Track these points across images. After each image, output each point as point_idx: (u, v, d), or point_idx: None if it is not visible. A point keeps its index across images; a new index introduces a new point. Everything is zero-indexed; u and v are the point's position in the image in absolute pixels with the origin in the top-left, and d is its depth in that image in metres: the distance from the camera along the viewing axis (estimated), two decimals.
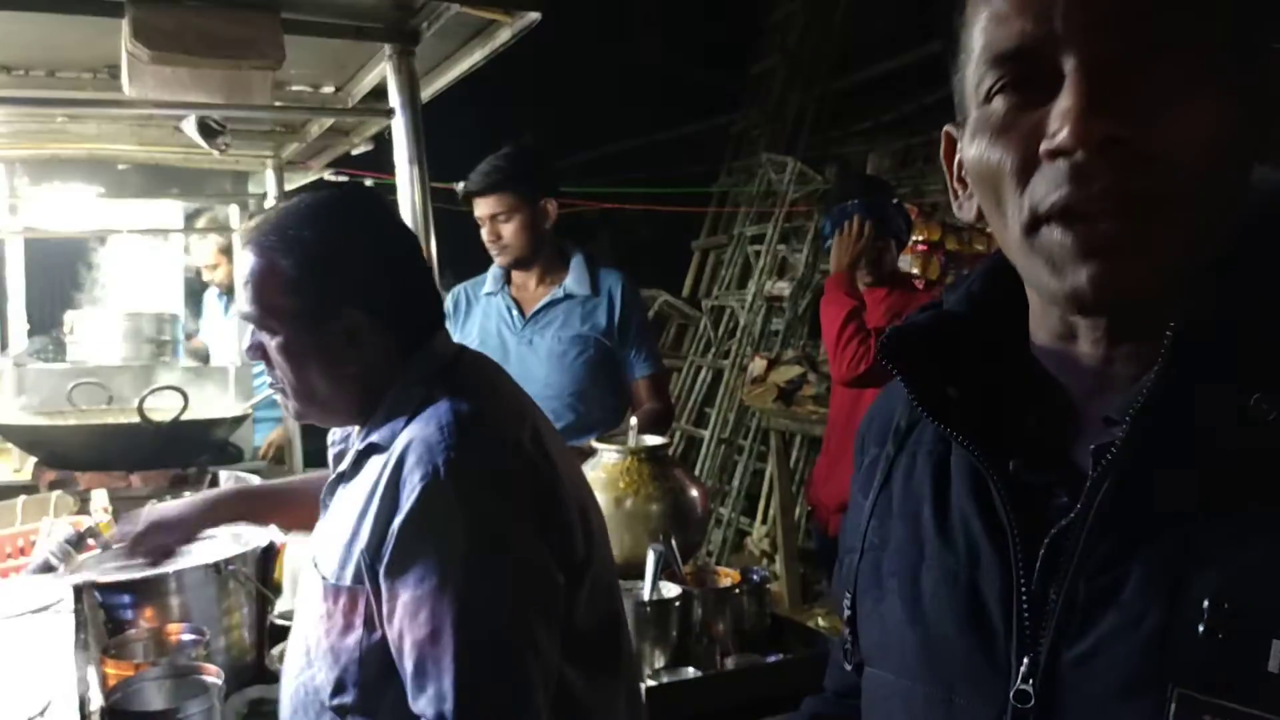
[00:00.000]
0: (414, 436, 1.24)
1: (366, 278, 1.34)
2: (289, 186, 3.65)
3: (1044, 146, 0.61)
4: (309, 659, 1.32)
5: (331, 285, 1.32)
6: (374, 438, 1.33)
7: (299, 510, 1.75)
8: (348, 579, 1.26)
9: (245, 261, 1.36)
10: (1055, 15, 0.61)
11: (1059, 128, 0.60)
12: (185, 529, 1.69)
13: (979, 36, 0.66)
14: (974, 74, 0.67)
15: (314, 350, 1.33)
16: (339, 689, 1.25)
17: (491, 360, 1.51)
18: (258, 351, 1.37)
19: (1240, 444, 0.60)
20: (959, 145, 0.74)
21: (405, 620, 1.18)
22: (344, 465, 1.38)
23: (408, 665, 1.19)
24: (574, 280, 2.78)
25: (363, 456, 1.35)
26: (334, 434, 1.53)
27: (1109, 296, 0.62)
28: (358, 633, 1.25)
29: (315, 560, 1.36)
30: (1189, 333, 0.61)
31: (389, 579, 1.20)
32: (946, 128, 0.77)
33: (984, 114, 0.66)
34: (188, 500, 1.76)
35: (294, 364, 1.35)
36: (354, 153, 3.29)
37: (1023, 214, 0.64)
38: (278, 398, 1.43)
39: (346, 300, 1.32)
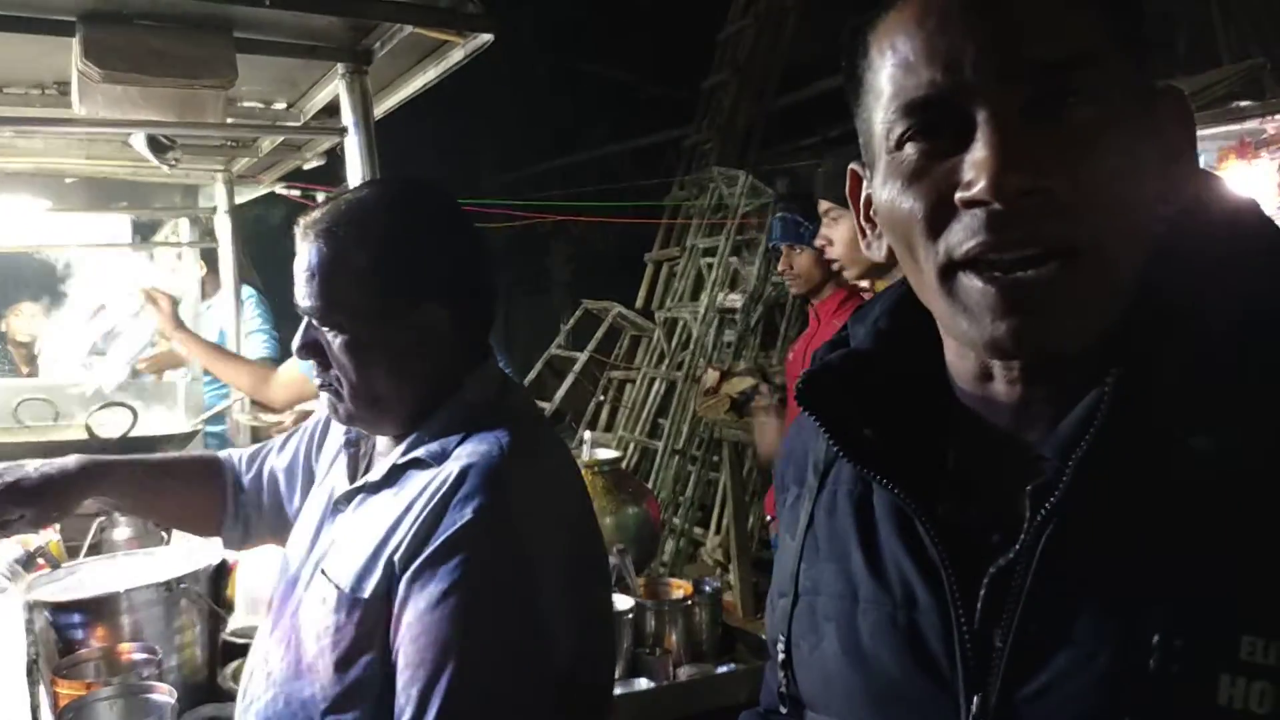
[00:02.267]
0: (474, 461, 1.19)
1: (446, 272, 1.28)
2: (239, 200, 3.64)
3: (960, 195, 0.62)
4: (298, 670, 1.26)
5: (412, 277, 1.26)
6: (419, 452, 1.26)
7: (175, 498, 1.66)
8: (367, 591, 1.20)
9: (311, 253, 1.27)
10: (965, 65, 0.62)
11: (974, 178, 0.61)
12: (37, 509, 1.47)
13: (886, 83, 0.66)
14: (883, 119, 0.67)
15: (383, 346, 1.26)
16: (339, 706, 1.20)
17: (526, 394, 1.47)
18: (310, 350, 1.29)
19: (1180, 484, 0.61)
20: (864, 184, 0.75)
21: (407, 634, 1.15)
22: (374, 475, 1.31)
23: (399, 676, 1.16)
24: None
25: (400, 470, 1.28)
26: (349, 430, 1.44)
27: (1029, 346, 0.64)
28: (374, 652, 1.19)
29: (324, 568, 1.28)
30: (1128, 377, 0.62)
31: (409, 584, 1.16)
32: (852, 165, 0.77)
33: (895, 160, 0.66)
34: (47, 467, 1.50)
35: (358, 361, 1.26)
36: (306, 167, 3.29)
37: (938, 258, 0.65)
38: (326, 399, 1.34)
39: (428, 293, 1.26)
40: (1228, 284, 0.65)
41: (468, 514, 1.14)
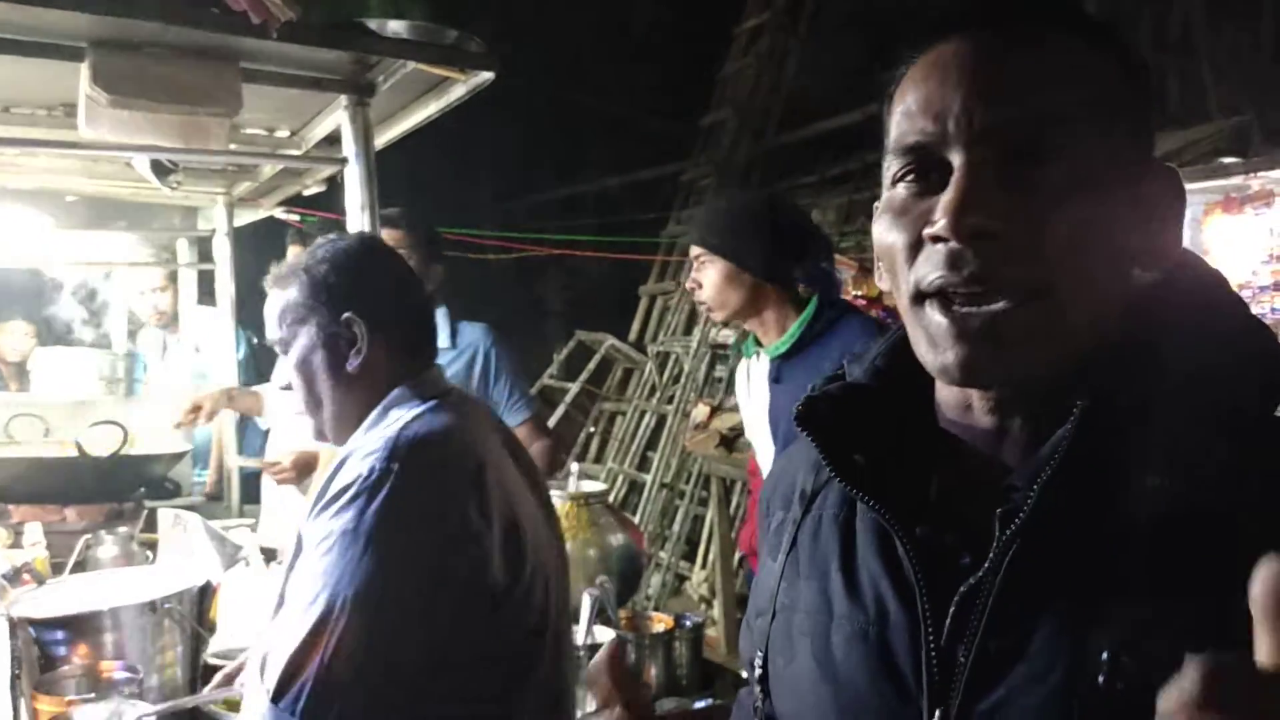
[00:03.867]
0: (360, 450, 1.36)
1: (366, 290, 1.51)
2: (239, 223, 3.67)
3: (926, 230, 0.69)
4: None
5: (334, 295, 1.49)
6: (342, 452, 1.43)
7: None
8: None
9: (269, 299, 1.55)
10: (949, 117, 0.69)
11: (939, 216, 0.67)
12: None
13: (893, 129, 0.74)
14: (886, 160, 0.75)
15: (322, 360, 1.48)
16: None
17: (477, 405, 1.61)
18: (287, 381, 1.53)
19: (1134, 513, 0.65)
20: None
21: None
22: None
23: None
24: None
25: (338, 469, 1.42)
26: None
27: (975, 376, 0.69)
28: None
29: None
30: (1091, 414, 0.67)
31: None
32: (876, 205, 0.83)
33: (889, 197, 0.74)
34: None
35: (305, 378, 1.50)
36: (306, 193, 3.33)
37: (909, 287, 0.71)
38: (302, 422, 1.56)
39: (348, 306, 1.47)
40: (1191, 343, 0.70)
41: (349, 493, 1.30)
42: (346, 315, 1.47)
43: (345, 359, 1.48)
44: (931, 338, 0.70)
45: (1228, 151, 3.89)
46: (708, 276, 2.33)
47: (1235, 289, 0.77)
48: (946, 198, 0.67)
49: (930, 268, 0.69)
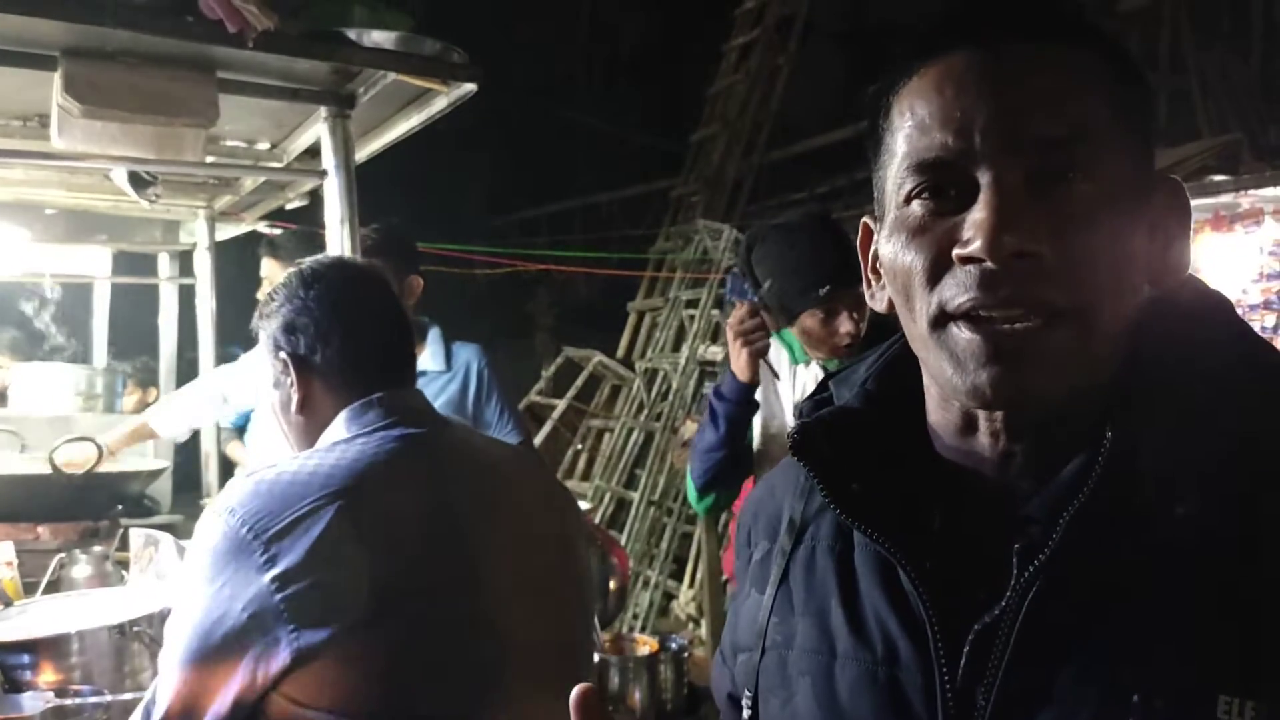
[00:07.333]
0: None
1: (296, 327, 1.46)
2: (220, 237, 3.63)
3: (958, 251, 0.65)
4: None
5: (274, 335, 1.47)
6: None
7: None
8: None
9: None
10: (975, 132, 0.65)
11: (972, 236, 0.64)
12: None
13: (902, 143, 0.69)
14: (895, 176, 0.70)
15: (277, 400, 1.49)
16: None
17: (428, 439, 1.45)
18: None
19: (1160, 549, 0.63)
20: (875, 238, 0.77)
21: None
22: None
23: None
24: (428, 356, 2.71)
25: None
26: None
27: (1008, 394, 0.65)
28: None
29: None
30: (1117, 445, 0.64)
31: None
32: (864, 219, 0.80)
33: (902, 215, 0.70)
34: None
35: (275, 417, 1.51)
36: (288, 207, 3.29)
37: (931, 309, 0.67)
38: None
39: (281, 346, 1.46)
40: (1203, 368, 0.67)
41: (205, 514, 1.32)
42: (281, 355, 1.46)
43: (289, 400, 1.46)
44: (959, 358, 0.66)
45: (1217, 169, 3.89)
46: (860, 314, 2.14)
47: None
48: (979, 216, 0.64)
49: (959, 290, 0.65)
